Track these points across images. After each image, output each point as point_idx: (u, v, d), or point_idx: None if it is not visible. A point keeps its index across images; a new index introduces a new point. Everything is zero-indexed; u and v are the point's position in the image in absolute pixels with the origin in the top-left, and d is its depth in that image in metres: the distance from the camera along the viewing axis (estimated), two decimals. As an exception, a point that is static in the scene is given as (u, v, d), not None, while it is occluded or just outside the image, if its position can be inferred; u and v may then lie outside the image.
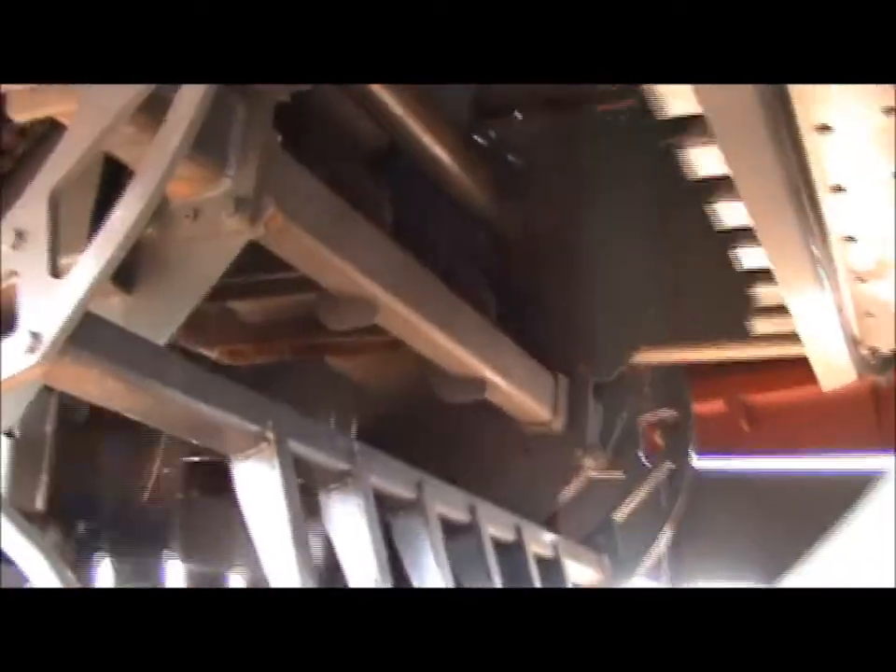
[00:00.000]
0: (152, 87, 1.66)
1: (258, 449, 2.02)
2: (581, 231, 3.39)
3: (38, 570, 1.70)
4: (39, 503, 2.07)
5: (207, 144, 1.89)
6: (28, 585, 1.78)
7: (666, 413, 3.98)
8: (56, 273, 1.60)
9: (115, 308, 2.00)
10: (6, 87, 1.78)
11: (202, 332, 2.77)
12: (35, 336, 1.55)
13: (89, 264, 1.58)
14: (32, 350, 1.55)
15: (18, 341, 1.56)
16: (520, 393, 3.07)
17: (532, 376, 3.18)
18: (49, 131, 2.11)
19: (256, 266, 2.38)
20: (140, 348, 1.83)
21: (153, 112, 1.70)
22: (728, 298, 2.98)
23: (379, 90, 2.62)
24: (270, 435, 2.02)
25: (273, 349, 2.97)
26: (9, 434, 2.00)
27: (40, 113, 1.82)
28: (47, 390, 2.02)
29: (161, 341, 1.96)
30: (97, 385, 1.75)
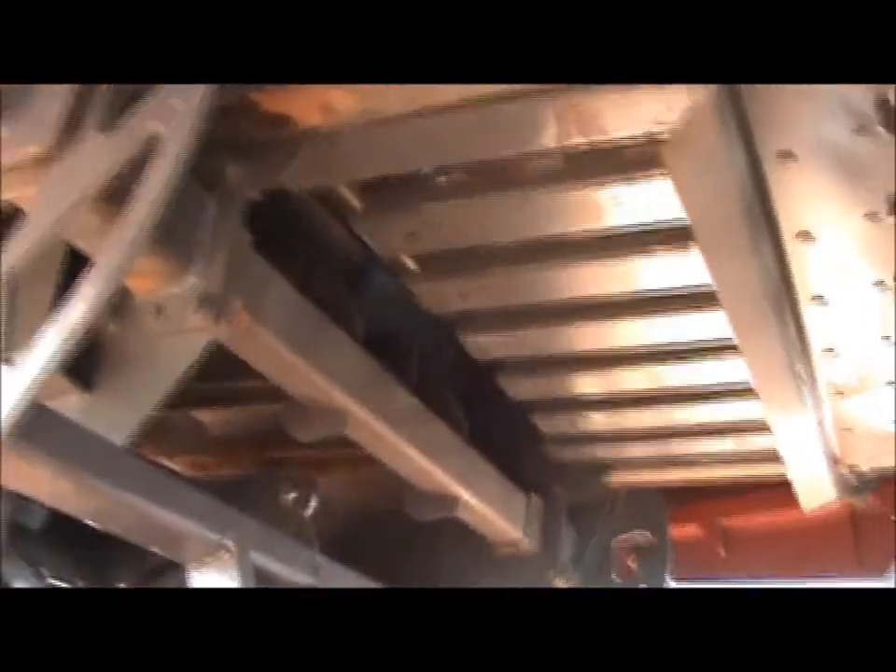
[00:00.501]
0: (114, 172, 1.61)
1: (217, 558, 1.94)
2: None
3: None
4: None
5: (174, 238, 1.84)
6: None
7: (641, 536, 3.91)
8: (7, 360, 1.53)
9: (74, 406, 1.93)
10: None
11: (163, 441, 2.70)
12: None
13: (39, 354, 1.51)
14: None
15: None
16: (492, 512, 3.00)
17: (504, 495, 3.12)
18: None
19: (220, 374, 2.32)
20: (97, 447, 1.76)
21: (115, 202, 1.66)
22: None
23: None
24: (231, 545, 1.94)
25: (236, 462, 2.90)
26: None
27: (2, 197, 1.76)
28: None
29: (120, 441, 1.88)
30: (49, 484, 1.67)
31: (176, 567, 2.56)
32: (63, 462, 1.65)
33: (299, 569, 2.19)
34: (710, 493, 3.84)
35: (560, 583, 3.35)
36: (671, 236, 2.18)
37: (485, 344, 2.75)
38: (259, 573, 2.01)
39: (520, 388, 2.96)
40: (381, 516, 3.12)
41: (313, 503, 2.78)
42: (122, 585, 2.43)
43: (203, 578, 1.94)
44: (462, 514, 2.91)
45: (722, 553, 4.19)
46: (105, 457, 1.77)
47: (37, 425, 1.58)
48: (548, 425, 3.12)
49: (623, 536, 3.84)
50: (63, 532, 2.24)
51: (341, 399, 2.31)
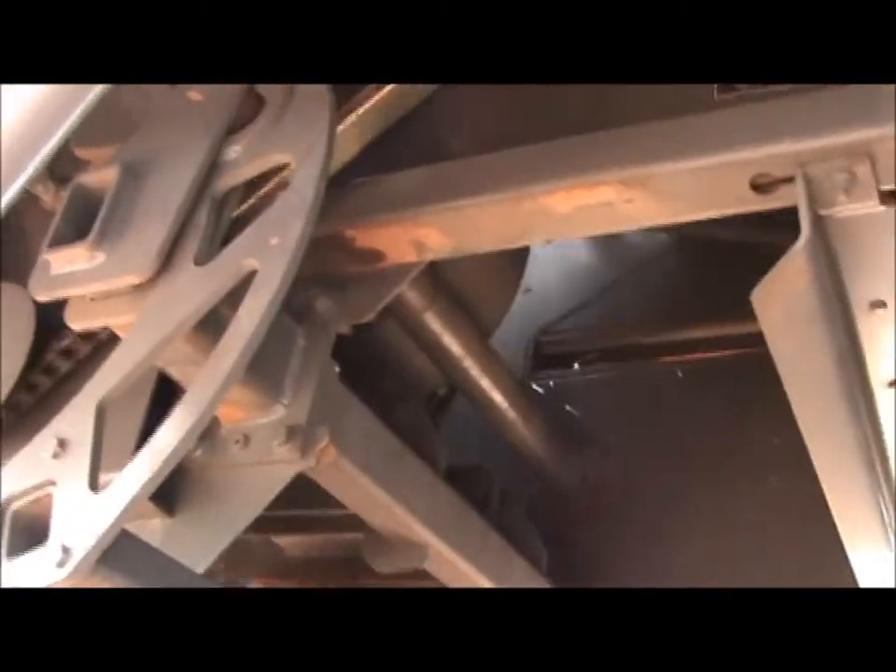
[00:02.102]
0: (210, 305, 1.64)
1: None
2: (643, 484, 3.31)
3: None
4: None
5: (263, 369, 1.86)
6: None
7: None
8: (95, 486, 1.54)
9: (155, 530, 1.94)
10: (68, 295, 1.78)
11: (240, 562, 2.70)
12: (66, 551, 1.48)
13: (129, 481, 1.52)
14: (61, 565, 1.48)
15: (48, 554, 1.50)
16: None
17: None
18: (92, 353, 2.09)
19: (300, 501, 2.33)
20: (177, 575, 1.76)
21: (209, 333, 1.68)
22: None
23: (440, 330, 2.61)
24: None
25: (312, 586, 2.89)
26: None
27: (97, 323, 1.80)
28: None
29: (200, 568, 1.88)
30: (126, 610, 1.67)
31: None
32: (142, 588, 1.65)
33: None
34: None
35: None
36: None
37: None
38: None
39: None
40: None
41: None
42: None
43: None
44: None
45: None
46: (185, 583, 1.76)
47: (119, 549, 1.59)
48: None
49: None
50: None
51: (422, 533, 2.29)
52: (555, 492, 3.32)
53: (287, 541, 2.81)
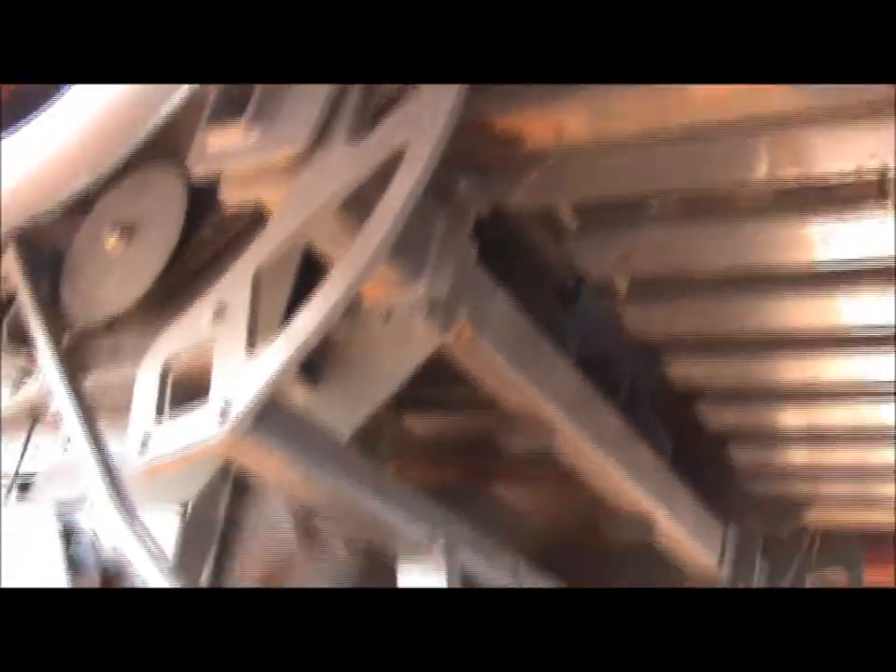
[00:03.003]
0: (360, 181, 1.69)
1: (427, 556, 2.01)
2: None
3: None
4: (203, 582, 2.08)
5: (406, 248, 1.91)
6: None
7: (836, 577, 3.84)
8: (252, 347, 1.63)
9: (299, 400, 2.03)
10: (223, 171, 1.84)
11: (370, 446, 2.78)
12: (226, 408, 1.58)
13: (285, 345, 1.61)
14: (221, 421, 1.57)
15: (208, 411, 1.59)
16: (687, 537, 3.01)
17: (702, 524, 3.12)
18: (243, 229, 2.16)
19: (432, 380, 2.39)
20: (322, 441, 1.85)
21: (358, 209, 1.74)
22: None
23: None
24: (440, 542, 2.01)
25: (442, 470, 2.96)
26: (182, 512, 2.03)
27: (250, 197, 1.86)
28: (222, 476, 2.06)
29: (341, 438, 1.97)
30: (276, 472, 1.77)
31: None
32: (293, 453, 1.74)
33: (502, 573, 2.25)
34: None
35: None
36: (879, 274, 2.18)
37: (688, 372, 2.76)
38: (465, 573, 2.07)
39: (720, 418, 2.96)
40: (577, 535, 3.14)
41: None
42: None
43: (412, 571, 2.02)
44: (658, 538, 2.92)
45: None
46: (332, 452, 1.85)
47: (273, 414, 1.68)
48: (746, 456, 3.12)
49: (818, 575, 3.80)
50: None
51: (552, 412, 2.36)
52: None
53: (416, 424, 2.87)
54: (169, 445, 1.67)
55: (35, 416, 2.52)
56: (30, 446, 2.51)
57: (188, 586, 1.91)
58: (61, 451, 2.42)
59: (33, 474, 2.45)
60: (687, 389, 2.84)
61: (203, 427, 1.61)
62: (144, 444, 1.70)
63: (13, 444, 2.52)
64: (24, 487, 2.44)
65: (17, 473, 2.49)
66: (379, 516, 1.94)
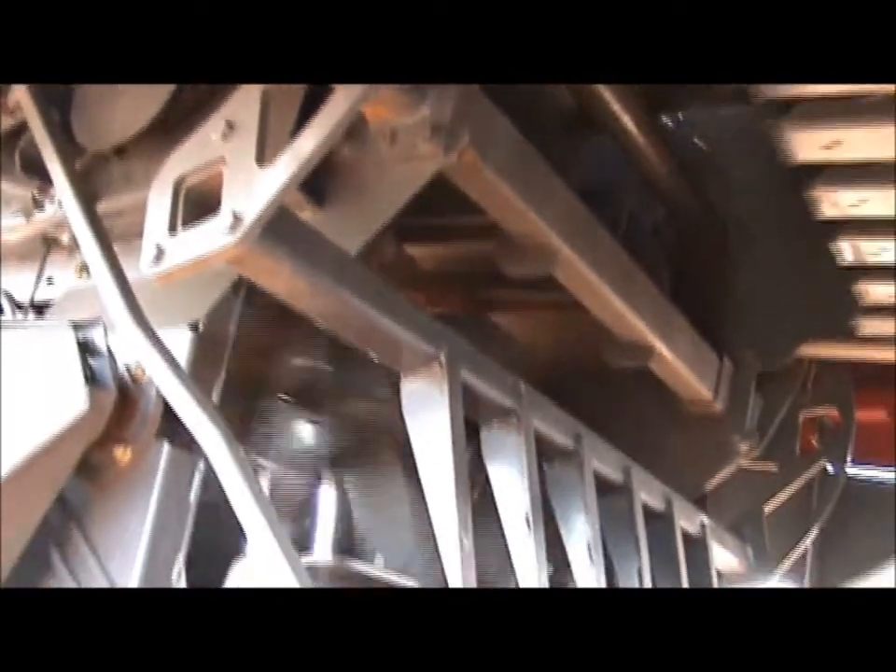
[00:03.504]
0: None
1: (429, 370, 2.09)
2: (762, 221, 3.37)
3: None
4: (215, 397, 2.15)
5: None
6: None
7: (827, 413, 3.93)
8: (262, 161, 1.69)
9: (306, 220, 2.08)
10: None
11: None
12: (237, 217, 1.64)
13: (289, 161, 1.66)
14: (233, 229, 1.64)
15: (220, 220, 1.66)
16: (684, 368, 3.07)
17: (698, 354, 3.19)
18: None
19: (435, 208, 2.43)
20: (332, 253, 1.92)
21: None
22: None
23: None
24: (443, 358, 2.09)
25: (444, 300, 3.02)
26: (195, 328, 2.09)
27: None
28: (233, 291, 2.13)
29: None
30: (285, 282, 1.84)
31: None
32: (301, 262, 1.81)
33: (503, 392, 2.33)
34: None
35: (744, 448, 3.42)
36: None
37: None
38: (466, 390, 2.15)
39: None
40: (578, 361, 3.21)
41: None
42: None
43: (414, 386, 2.10)
44: (656, 367, 3.00)
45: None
46: (339, 263, 1.92)
47: (282, 225, 1.75)
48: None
49: (810, 412, 3.89)
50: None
51: (553, 238, 2.40)
52: (680, 220, 3.40)
53: (420, 253, 2.92)
54: (182, 256, 1.74)
55: (48, 244, 2.58)
56: (44, 275, 2.57)
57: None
58: (75, 279, 2.49)
59: (48, 301, 2.52)
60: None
61: (214, 238, 1.67)
62: (157, 257, 1.77)
63: (27, 273, 2.59)
64: (40, 311, 2.52)
65: (32, 301, 2.56)
66: (384, 329, 2.01)
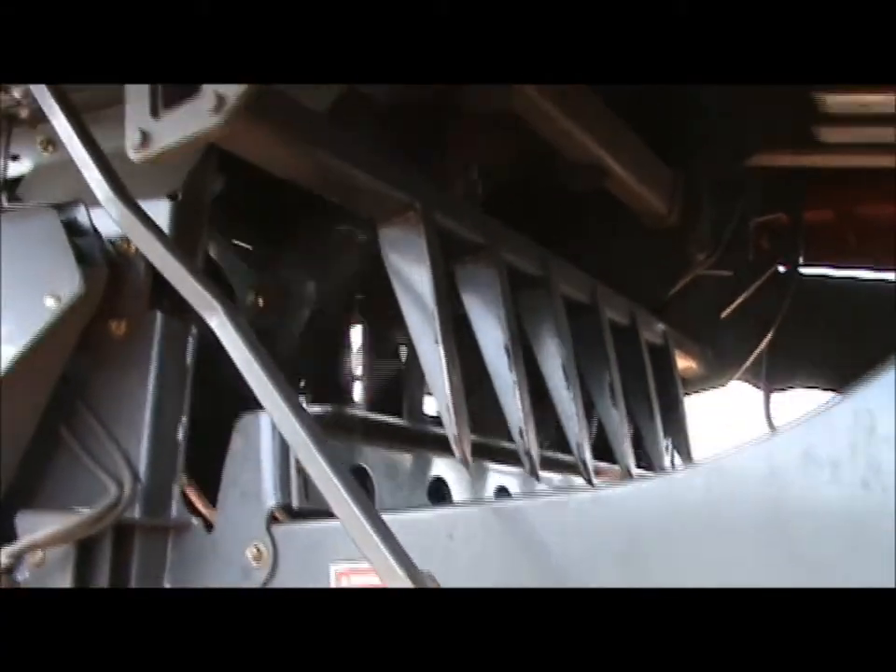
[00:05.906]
0: None
1: (404, 217, 2.17)
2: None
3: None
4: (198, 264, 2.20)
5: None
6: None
7: (778, 218, 4.01)
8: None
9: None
10: None
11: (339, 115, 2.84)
12: (220, 97, 1.67)
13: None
14: (217, 110, 1.68)
15: (203, 101, 1.70)
16: (638, 184, 3.13)
17: (651, 168, 3.23)
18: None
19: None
20: (307, 118, 1.98)
21: None
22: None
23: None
24: (417, 205, 2.16)
25: (406, 133, 3.01)
26: (173, 197, 2.14)
27: None
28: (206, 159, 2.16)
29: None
30: (267, 151, 1.91)
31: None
32: (283, 132, 1.88)
33: (473, 230, 2.41)
34: (849, 180, 3.80)
35: (700, 258, 3.51)
36: None
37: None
38: (439, 232, 2.23)
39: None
40: (537, 186, 3.25)
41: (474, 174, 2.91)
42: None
43: (392, 233, 2.18)
44: (611, 185, 3.04)
45: (853, 241, 4.18)
46: (315, 127, 1.99)
47: (260, 97, 1.77)
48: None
49: (760, 217, 3.97)
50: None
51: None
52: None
53: (378, 91, 2.89)
54: (168, 139, 1.77)
55: (9, 120, 2.57)
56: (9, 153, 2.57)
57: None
58: (40, 153, 2.49)
59: (18, 178, 2.53)
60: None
61: (199, 119, 1.71)
62: (143, 141, 1.80)
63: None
64: (11, 190, 2.53)
65: (3, 180, 2.56)
66: (360, 182, 2.09)
